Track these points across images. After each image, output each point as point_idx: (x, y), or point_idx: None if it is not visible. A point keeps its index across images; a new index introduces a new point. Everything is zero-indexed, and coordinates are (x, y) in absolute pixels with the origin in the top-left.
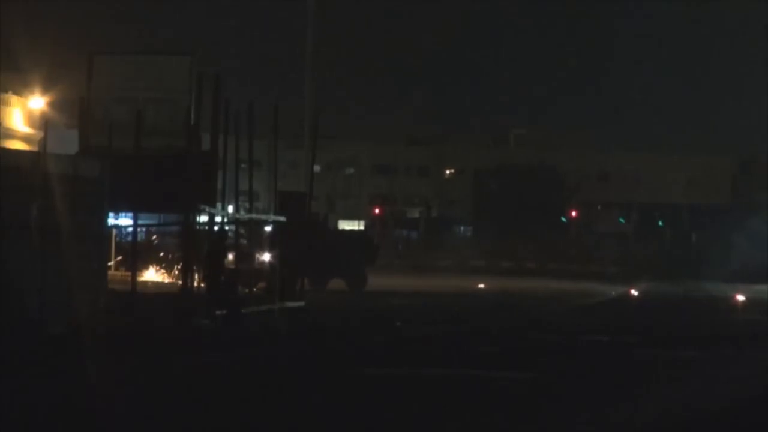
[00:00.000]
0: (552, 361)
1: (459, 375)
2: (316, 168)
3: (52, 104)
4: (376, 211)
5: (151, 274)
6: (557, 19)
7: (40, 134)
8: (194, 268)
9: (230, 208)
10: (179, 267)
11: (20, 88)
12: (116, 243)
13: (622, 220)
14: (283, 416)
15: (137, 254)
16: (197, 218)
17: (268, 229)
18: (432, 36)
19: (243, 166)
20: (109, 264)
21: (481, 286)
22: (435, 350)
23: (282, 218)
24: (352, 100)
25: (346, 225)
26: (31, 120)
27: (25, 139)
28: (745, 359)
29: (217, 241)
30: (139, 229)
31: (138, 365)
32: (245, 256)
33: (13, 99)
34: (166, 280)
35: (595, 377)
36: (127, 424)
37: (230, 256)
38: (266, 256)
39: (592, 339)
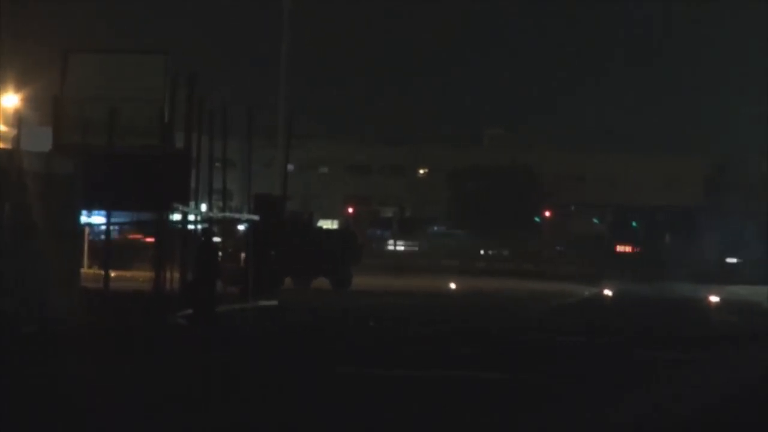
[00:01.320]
0: (529, 362)
1: (436, 376)
2: (290, 167)
3: (26, 101)
4: (350, 210)
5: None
6: (532, 20)
7: (13, 131)
8: (168, 266)
9: (203, 207)
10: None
11: None
12: (89, 241)
13: (596, 221)
14: (248, 416)
15: (111, 252)
16: (171, 217)
17: (241, 228)
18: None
19: (217, 165)
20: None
21: (453, 286)
22: (410, 351)
23: (256, 217)
24: (330, 100)
25: (322, 224)
26: (4, 117)
27: None
28: (719, 361)
29: (209, 241)
30: (112, 227)
31: (110, 364)
32: (231, 255)
33: None
34: (140, 279)
35: (569, 378)
36: (96, 423)
37: (242, 255)
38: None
39: (568, 339)
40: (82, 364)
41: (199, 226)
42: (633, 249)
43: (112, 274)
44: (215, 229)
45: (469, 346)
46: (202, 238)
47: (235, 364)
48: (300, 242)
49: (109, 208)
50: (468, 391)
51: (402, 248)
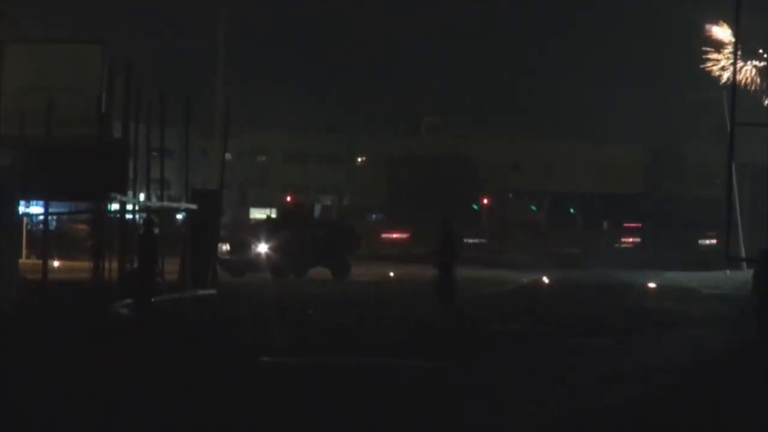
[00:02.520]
0: (462, 350)
1: (367, 363)
2: (228, 156)
3: None
4: (288, 199)
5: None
6: (473, 6)
7: None
8: (107, 255)
9: (141, 197)
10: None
11: None
12: (27, 231)
13: (533, 208)
14: (175, 405)
15: (49, 242)
16: (108, 206)
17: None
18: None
19: (154, 154)
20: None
21: (392, 274)
22: (344, 338)
23: (194, 206)
24: (268, 90)
25: (257, 214)
26: None
27: None
28: (655, 347)
29: (149, 231)
30: (50, 218)
31: (47, 355)
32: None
33: None
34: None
35: (505, 365)
36: (33, 415)
37: (224, 248)
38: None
39: (504, 327)
40: (16, 354)
41: (137, 216)
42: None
43: (56, 264)
44: (155, 218)
45: (400, 333)
46: (143, 228)
47: (161, 354)
48: (300, 233)
49: (46, 199)
50: (386, 379)
51: None
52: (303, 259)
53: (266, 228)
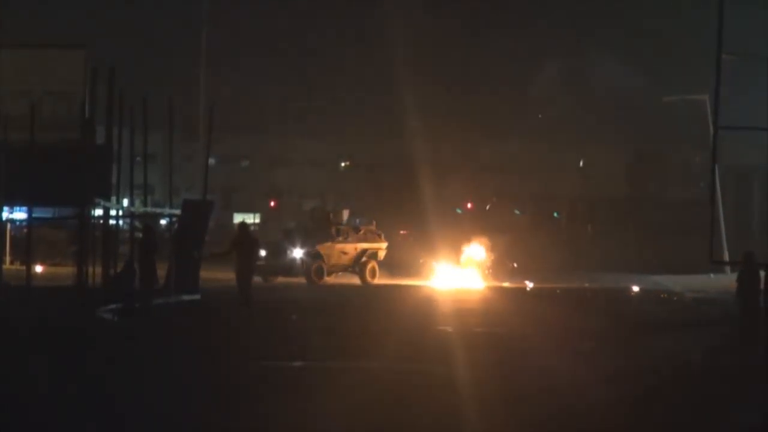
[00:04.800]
0: (443, 353)
1: (356, 367)
2: (211, 161)
3: None
4: (272, 204)
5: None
6: (451, 7)
7: None
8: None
9: (125, 202)
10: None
11: None
12: (11, 237)
13: (517, 212)
14: (164, 409)
15: (33, 247)
16: (92, 211)
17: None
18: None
19: (138, 159)
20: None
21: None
22: (330, 342)
23: (177, 212)
24: (252, 93)
25: (240, 218)
26: None
27: None
28: (637, 350)
29: (150, 236)
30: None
31: (30, 359)
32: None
33: None
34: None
35: (492, 369)
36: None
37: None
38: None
39: (489, 331)
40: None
41: (122, 222)
42: (555, 239)
43: (39, 269)
44: (137, 223)
45: (385, 338)
46: (143, 234)
47: (148, 356)
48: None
49: (29, 204)
50: (364, 380)
51: None
52: (335, 265)
53: (301, 233)
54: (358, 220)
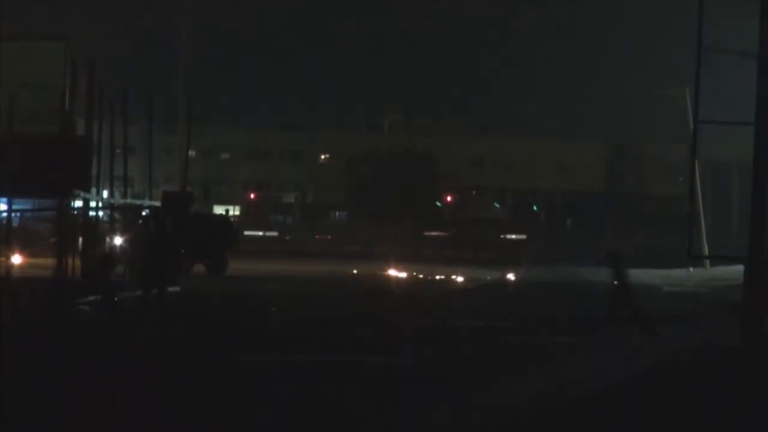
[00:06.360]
0: (425, 347)
1: (331, 360)
2: (191, 153)
3: None
4: (252, 196)
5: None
6: (433, 5)
7: None
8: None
9: (105, 193)
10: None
11: None
12: None
13: (496, 205)
14: (152, 405)
15: (11, 239)
16: (72, 203)
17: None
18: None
19: (118, 151)
20: None
21: (355, 271)
22: (309, 335)
23: (157, 203)
24: (231, 87)
25: (221, 210)
26: None
27: None
28: (615, 345)
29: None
30: (13, 214)
31: (9, 352)
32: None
33: None
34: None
35: (466, 362)
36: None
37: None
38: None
39: (466, 324)
40: None
41: (102, 213)
42: (534, 233)
43: (17, 261)
44: (117, 215)
45: (359, 330)
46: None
47: (132, 352)
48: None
49: (9, 195)
50: (340, 375)
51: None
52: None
53: None
54: (337, 214)
